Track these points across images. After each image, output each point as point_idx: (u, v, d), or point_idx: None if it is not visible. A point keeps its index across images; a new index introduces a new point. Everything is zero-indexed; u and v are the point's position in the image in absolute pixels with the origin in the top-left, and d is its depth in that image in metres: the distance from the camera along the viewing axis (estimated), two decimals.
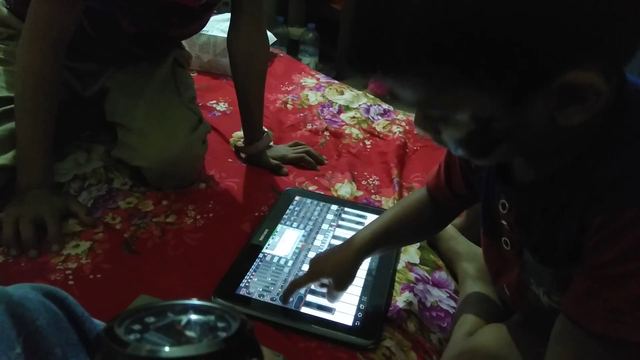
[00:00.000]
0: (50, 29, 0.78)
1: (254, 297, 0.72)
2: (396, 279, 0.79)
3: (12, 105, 0.84)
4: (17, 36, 0.91)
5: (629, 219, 0.40)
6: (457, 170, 0.64)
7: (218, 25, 1.45)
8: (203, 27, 1.07)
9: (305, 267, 0.78)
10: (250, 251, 0.80)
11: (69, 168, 0.94)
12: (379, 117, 1.29)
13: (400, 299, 0.75)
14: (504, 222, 0.55)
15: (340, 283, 0.68)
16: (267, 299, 0.72)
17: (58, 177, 0.91)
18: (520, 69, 0.37)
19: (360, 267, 0.78)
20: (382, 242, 0.70)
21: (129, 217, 0.85)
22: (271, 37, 1.61)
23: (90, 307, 0.66)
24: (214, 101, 1.28)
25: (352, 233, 0.86)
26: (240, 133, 1.10)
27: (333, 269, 0.67)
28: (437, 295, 0.78)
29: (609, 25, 0.36)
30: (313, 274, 0.69)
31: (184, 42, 1.37)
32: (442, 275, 0.82)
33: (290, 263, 0.79)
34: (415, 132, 0.44)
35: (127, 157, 0.91)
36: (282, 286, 0.74)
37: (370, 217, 0.92)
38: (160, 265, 0.75)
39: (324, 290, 0.70)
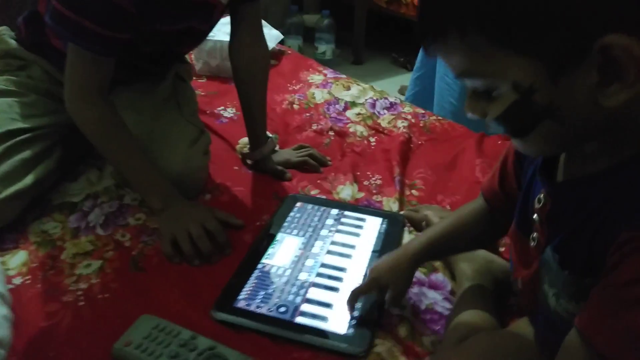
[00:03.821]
0: (91, 84, 0.84)
1: (251, 308, 0.75)
2: None
3: (26, 135, 0.90)
4: (26, 67, 0.97)
5: None
6: (511, 171, 0.64)
7: (224, 29, 1.46)
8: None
9: (303, 276, 0.81)
10: (250, 262, 0.84)
11: (81, 188, 0.99)
12: (385, 111, 1.29)
13: None
14: (536, 218, 0.55)
15: (398, 287, 0.72)
16: (264, 310, 0.75)
17: (70, 197, 0.97)
18: (556, 31, 0.38)
19: (356, 271, 0.81)
20: (437, 249, 0.73)
21: (138, 234, 0.90)
22: (278, 35, 1.62)
23: (97, 328, 0.72)
24: (222, 107, 1.31)
25: (350, 238, 0.89)
26: (247, 139, 1.13)
27: (390, 275, 0.71)
28: (433, 297, 0.79)
29: None
30: (372, 281, 0.72)
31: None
32: (438, 277, 0.83)
33: (288, 272, 0.82)
34: (468, 117, 0.47)
35: None
36: (279, 296, 0.77)
37: (370, 220, 0.94)
38: (163, 282, 0.80)
39: (384, 298, 0.72)
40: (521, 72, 0.41)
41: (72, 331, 0.72)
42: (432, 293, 0.80)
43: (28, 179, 0.88)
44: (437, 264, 0.85)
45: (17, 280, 0.80)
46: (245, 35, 1.03)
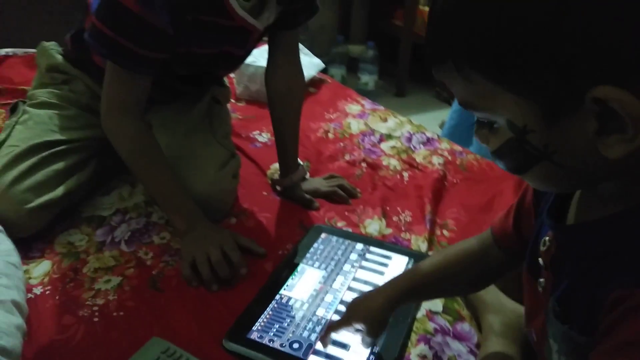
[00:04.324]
0: (127, 101, 0.85)
1: (264, 341, 0.72)
2: (414, 328, 0.76)
3: (62, 147, 0.92)
4: (69, 81, 1.00)
5: None
6: (529, 207, 0.60)
7: (265, 55, 1.48)
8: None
9: (320, 312, 0.78)
10: (268, 292, 0.81)
11: (112, 202, 1.01)
12: (421, 146, 1.26)
13: (415, 352, 0.73)
14: (541, 261, 0.51)
15: (371, 330, 0.67)
16: (277, 344, 0.72)
17: (100, 210, 0.98)
18: (547, 76, 0.36)
19: None
20: (420, 292, 0.68)
21: (161, 253, 0.90)
22: (320, 64, 1.63)
23: (108, 346, 0.71)
24: (257, 132, 1.32)
25: (373, 276, 0.86)
26: (278, 165, 1.12)
27: (365, 316, 0.67)
28: (457, 349, 0.74)
29: None
30: (347, 319, 0.69)
31: (233, 74, 1.43)
32: (464, 327, 0.78)
33: (305, 306, 0.79)
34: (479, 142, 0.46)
35: None
36: (293, 331, 0.74)
37: (396, 258, 0.90)
38: (179, 305, 0.78)
39: (359, 335, 0.69)
40: (516, 111, 0.39)
41: (83, 347, 0.71)
42: (457, 344, 0.75)
43: (59, 190, 0.89)
44: (464, 312, 0.80)
45: (38, 290, 0.80)
46: (282, 62, 1.04)
